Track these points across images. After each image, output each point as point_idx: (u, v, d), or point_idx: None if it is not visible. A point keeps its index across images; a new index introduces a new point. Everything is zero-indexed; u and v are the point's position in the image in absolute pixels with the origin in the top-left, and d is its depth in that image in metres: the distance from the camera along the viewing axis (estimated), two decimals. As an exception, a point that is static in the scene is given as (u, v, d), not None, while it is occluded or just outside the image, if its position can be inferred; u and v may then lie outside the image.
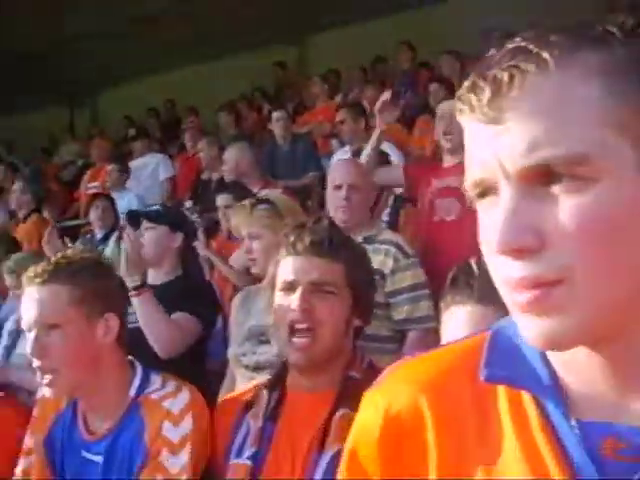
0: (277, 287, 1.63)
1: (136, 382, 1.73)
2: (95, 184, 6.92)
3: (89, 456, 1.70)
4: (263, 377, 2.22)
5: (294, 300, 1.57)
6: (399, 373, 0.73)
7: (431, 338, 2.54)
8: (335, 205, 2.96)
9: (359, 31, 8.47)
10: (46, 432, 1.78)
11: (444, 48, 6.37)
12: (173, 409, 1.66)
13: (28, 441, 1.81)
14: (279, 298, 1.61)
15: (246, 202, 2.73)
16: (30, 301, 1.68)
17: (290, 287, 1.59)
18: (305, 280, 1.58)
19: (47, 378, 1.65)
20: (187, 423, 1.65)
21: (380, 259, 2.77)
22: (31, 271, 1.71)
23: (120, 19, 8.02)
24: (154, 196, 5.89)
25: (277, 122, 5.80)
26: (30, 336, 1.66)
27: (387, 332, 2.79)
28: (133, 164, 6.57)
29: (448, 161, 3.53)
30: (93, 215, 5.08)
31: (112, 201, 5.27)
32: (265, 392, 1.64)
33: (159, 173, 6.51)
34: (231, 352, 2.84)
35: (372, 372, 1.66)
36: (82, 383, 1.69)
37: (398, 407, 0.69)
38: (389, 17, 7.99)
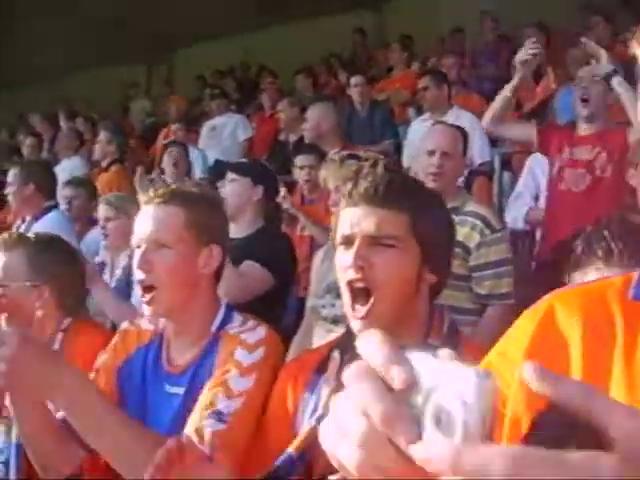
0: (337, 242, 1.51)
1: (219, 317, 1.75)
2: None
3: (171, 390, 1.73)
4: (341, 329, 2.30)
5: (350, 256, 1.45)
6: (551, 297, 0.74)
7: (509, 314, 2.51)
8: (426, 171, 2.90)
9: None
10: (121, 363, 1.82)
11: (527, 20, 6.23)
12: (248, 339, 1.68)
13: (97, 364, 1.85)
14: (339, 254, 1.50)
15: (335, 156, 2.77)
16: (146, 218, 1.72)
17: (348, 241, 1.47)
18: (361, 233, 1.44)
19: (147, 296, 1.70)
20: (259, 353, 1.66)
21: (465, 232, 2.73)
22: (151, 192, 1.76)
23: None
24: (233, 156, 5.91)
25: (355, 88, 5.81)
26: (138, 251, 1.71)
27: (469, 305, 2.76)
28: (211, 123, 6.66)
29: (583, 130, 3.45)
30: (167, 160, 4.99)
31: (186, 150, 5.26)
32: (337, 354, 1.58)
33: (238, 133, 6.54)
34: (310, 304, 2.92)
35: (455, 337, 1.58)
36: (177, 306, 1.72)
37: (551, 316, 0.70)
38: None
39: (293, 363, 1.78)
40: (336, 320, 2.73)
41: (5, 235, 2.26)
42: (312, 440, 1.41)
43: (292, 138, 5.70)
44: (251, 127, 6.69)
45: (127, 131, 7.65)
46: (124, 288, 3.32)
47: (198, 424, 1.56)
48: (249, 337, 1.68)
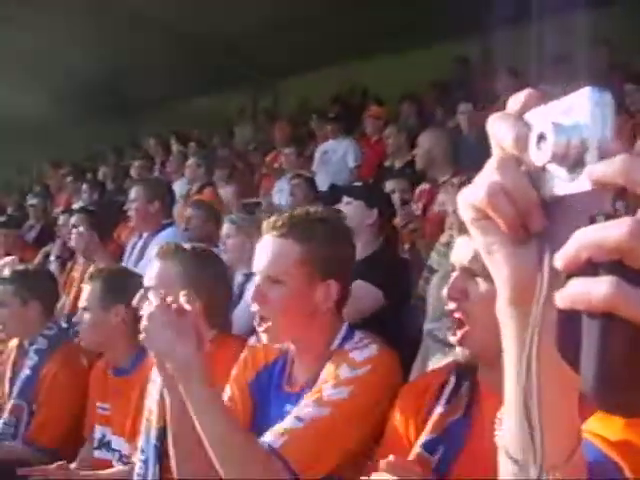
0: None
1: (339, 337, 1.77)
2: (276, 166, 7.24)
3: (291, 408, 1.74)
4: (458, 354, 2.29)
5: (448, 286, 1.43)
6: None
7: None
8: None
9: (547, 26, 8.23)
10: (251, 379, 1.87)
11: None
12: (356, 357, 1.68)
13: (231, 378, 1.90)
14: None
15: (454, 180, 2.79)
16: (263, 250, 1.75)
17: (452, 269, 1.47)
18: (457, 264, 1.44)
19: (262, 326, 1.73)
20: (363, 370, 1.65)
21: None
22: (272, 219, 1.77)
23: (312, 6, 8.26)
24: (342, 181, 6.02)
25: (462, 115, 5.82)
26: (255, 282, 1.76)
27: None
28: (323, 147, 6.78)
29: None
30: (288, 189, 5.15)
31: (312, 182, 5.44)
32: (453, 378, 1.54)
33: (348, 158, 6.63)
34: (427, 327, 2.93)
35: None
36: (292, 334, 1.75)
37: None
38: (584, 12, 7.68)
39: (414, 386, 1.71)
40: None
41: (163, 244, 2.35)
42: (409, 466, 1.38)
43: (398, 164, 5.73)
44: (361, 152, 6.78)
45: (233, 156, 7.88)
46: (235, 303, 3.41)
47: (279, 427, 1.60)
48: (358, 355, 1.68)
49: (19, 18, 8.35)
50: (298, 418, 1.59)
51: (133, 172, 7.63)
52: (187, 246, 2.34)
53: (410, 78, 8.46)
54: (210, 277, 2.27)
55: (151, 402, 2.27)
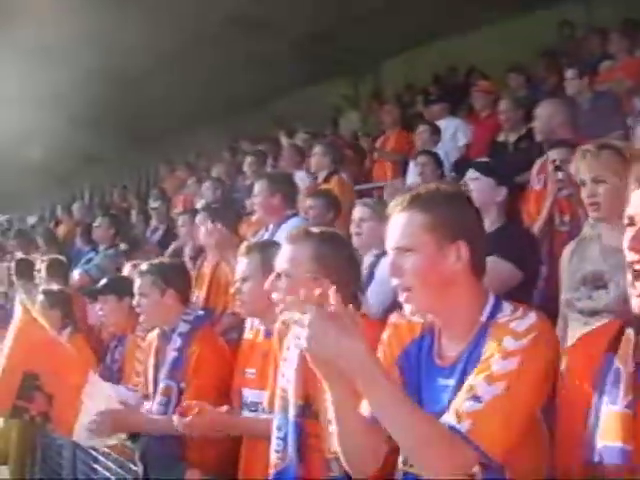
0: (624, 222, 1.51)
1: (488, 308, 1.77)
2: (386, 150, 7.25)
3: (443, 382, 1.76)
4: (599, 322, 2.25)
5: (627, 237, 1.47)
6: None
7: None
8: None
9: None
10: (398, 357, 1.88)
11: None
12: (518, 328, 1.67)
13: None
14: (625, 234, 1.50)
15: (590, 146, 2.74)
16: (391, 227, 1.81)
17: (630, 222, 1.49)
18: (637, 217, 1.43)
19: (404, 296, 1.77)
20: (527, 339, 1.64)
21: None
22: (395, 201, 1.84)
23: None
24: (453, 160, 6.00)
25: (572, 80, 5.64)
26: (389, 258, 1.80)
27: None
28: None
29: None
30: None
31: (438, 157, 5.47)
32: (631, 332, 1.55)
33: (458, 137, 6.58)
34: (564, 297, 2.88)
35: None
36: (434, 303, 1.77)
37: None
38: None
39: (580, 346, 1.73)
40: (594, 312, 2.70)
41: (293, 230, 2.44)
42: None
43: (512, 138, 5.64)
44: (470, 131, 6.72)
45: (340, 143, 7.93)
46: (366, 284, 3.47)
47: (457, 407, 1.61)
48: (519, 325, 1.68)
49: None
50: (476, 398, 1.60)
51: (246, 168, 7.76)
52: (316, 230, 2.41)
53: (513, 48, 8.28)
54: (340, 258, 2.33)
55: (285, 381, 2.37)
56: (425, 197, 1.79)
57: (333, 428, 1.77)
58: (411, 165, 5.81)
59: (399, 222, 1.78)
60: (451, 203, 1.79)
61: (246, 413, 2.87)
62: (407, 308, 1.79)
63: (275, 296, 2.37)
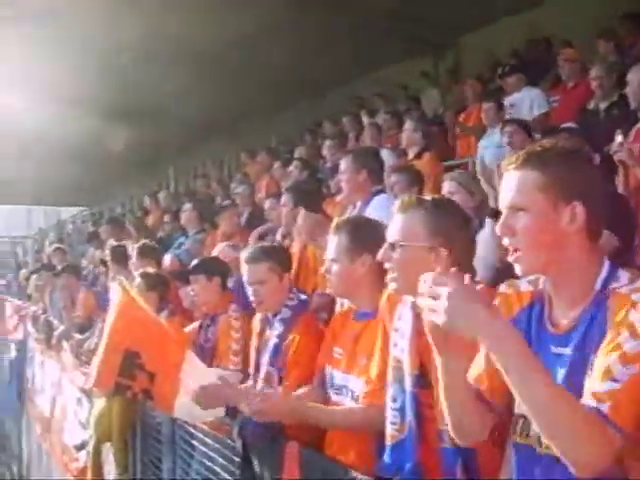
0: None
1: (602, 274, 1.70)
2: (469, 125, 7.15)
3: (557, 350, 1.72)
4: None
5: None
6: None
7: None
8: None
9: None
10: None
11: None
12: None
13: None
14: None
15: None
16: (504, 186, 1.77)
17: None
18: None
19: (514, 256, 1.73)
20: None
21: None
22: (509, 158, 1.79)
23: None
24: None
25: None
26: (501, 217, 1.76)
27: None
28: (510, 100, 6.61)
29: None
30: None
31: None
32: None
33: (534, 108, 6.46)
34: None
35: None
36: (545, 264, 1.72)
37: None
38: None
39: None
40: None
41: (404, 198, 2.37)
42: None
43: (602, 106, 5.46)
44: (548, 101, 6.54)
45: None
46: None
47: (595, 390, 1.56)
48: None
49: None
50: (613, 380, 1.56)
51: (326, 151, 7.78)
52: (427, 197, 2.37)
53: (594, 14, 7.96)
54: (454, 226, 2.29)
55: (399, 351, 2.35)
56: (540, 155, 1.73)
57: (442, 397, 1.76)
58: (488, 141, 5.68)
59: (512, 180, 1.74)
60: (568, 161, 1.73)
61: (332, 394, 2.86)
62: (517, 268, 1.75)
63: (388, 266, 2.30)
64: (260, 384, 3.29)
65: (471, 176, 3.64)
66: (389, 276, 2.30)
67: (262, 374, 3.29)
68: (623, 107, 5.09)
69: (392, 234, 2.30)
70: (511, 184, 1.74)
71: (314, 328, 3.31)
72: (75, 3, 8.53)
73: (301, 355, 3.17)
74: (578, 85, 6.22)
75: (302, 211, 3.95)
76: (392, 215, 2.36)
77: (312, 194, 4.78)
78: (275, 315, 3.36)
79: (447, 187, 3.67)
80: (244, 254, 3.56)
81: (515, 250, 1.73)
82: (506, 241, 1.74)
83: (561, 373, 1.68)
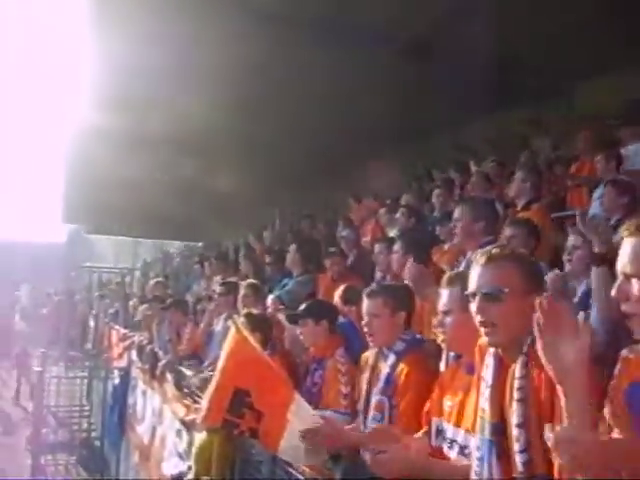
0: None
1: None
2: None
3: None
4: None
5: None
6: None
7: None
8: None
9: None
10: (627, 387, 1.85)
11: None
12: None
13: None
14: None
15: None
16: (622, 250, 1.80)
17: None
18: None
19: (630, 320, 1.75)
20: None
21: None
22: (627, 224, 1.82)
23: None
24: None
25: None
26: (617, 281, 1.79)
27: None
28: (624, 151, 6.44)
29: None
30: None
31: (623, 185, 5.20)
32: None
33: (647, 160, 6.29)
34: None
35: None
36: None
37: None
38: None
39: None
40: None
41: (492, 249, 2.39)
42: None
43: None
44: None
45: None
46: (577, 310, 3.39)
47: None
48: None
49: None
50: None
51: (435, 199, 7.79)
52: (510, 251, 2.38)
53: None
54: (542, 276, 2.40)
55: (483, 401, 2.37)
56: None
57: None
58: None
59: (627, 247, 1.77)
60: None
61: (443, 446, 2.84)
62: (636, 333, 1.76)
63: (480, 319, 2.32)
64: (371, 413, 3.36)
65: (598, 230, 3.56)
66: (485, 329, 2.32)
67: (373, 403, 3.37)
68: None
69: (485, 285, 2.30)
70: (626, 250, 1.77)
71: (425, 364, 3.40)
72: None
73: (411, 386, 3.25)
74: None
75: (409, 261, 3.97)
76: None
77: (422, 243, 4.80)
78: (389, 348, 3.48)
79: (572, 240, 3.65)
80: (366, 289, 3.72)
81: (632, 315, 1.74)
82: (623, 306, 1.76)
83: None
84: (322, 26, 8.31)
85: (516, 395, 2.14)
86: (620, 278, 1.77)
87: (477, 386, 2.56)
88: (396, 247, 4.99)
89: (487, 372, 2.39)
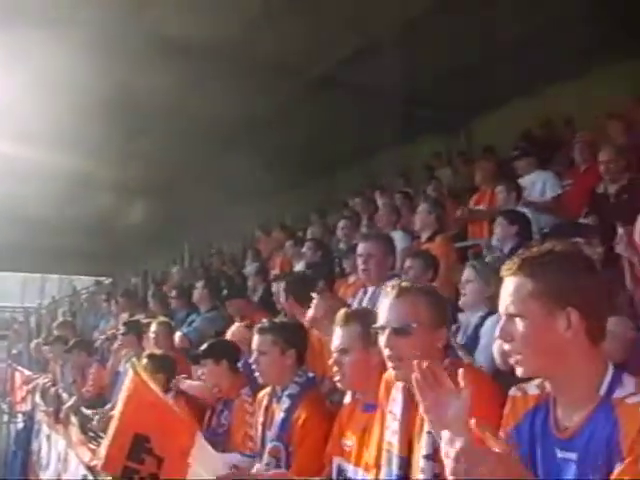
0: None
1: (607, 380, 1.71)
2: (480, 207, 7.17)
3: (563, 455, 1.71)
4: None
5: None
6: None
7: None
8: None
9: None
10: (511, 429, 1.86)
11: None
12: None
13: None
14: None
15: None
16: (503, 290, 1.80)
17: None
18: None
19: (514, 359, 1.75)
20: None
21: None
22: (507, 263, 1.82)
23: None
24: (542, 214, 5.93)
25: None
26: (500, 322, 1.79)
27: None
28: (521, 182, 6.67)
29: None
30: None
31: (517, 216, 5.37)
32: None
33: (546, 191, 6.52)
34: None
35: None
36: (545, 369, 1.75)
37: None
38: None
39: None
40: None
41: (396, 283, 2.43)
42: None
43: (612, 189, 5.49)
44: (560, 184, 6.60)
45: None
46: (472, 344, 3.47)
47: None
48: None
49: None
50: None
51: (340, 232, 7.81)
52: (420, 286, 2.44)
53: (611, 95, 8.08)
54: (446, 309, 2.39)
55: (390, 435, 2.38)
56: (534, 261, 1.76)
57: None
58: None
59: (509, 287, 1.78)
60: (561, 268, 1.74)
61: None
62: (517, 371, 1.77)
63: (388, 353, 2.34)
64: (266, 459, 3.27)
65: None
66: (391, 364, 2.34)
67: (268, 448, 3.27)
68: (633, 191, 5.10)
69: (391, 320, 2.34)
70: (507, 290, 1.78)
71: (321, 407, 3.33)
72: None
73: (308, 433, 3.17)
74: (590, 168, 6.26)
75: (317, 297, 3.89)
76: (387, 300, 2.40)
77: (304, 283, 4.81)
78: (283, 390, 3.38)
79: (466, 274, 3.71)
80: (256, 325, 3.65)
81: (515, 354, 1.75)
82: (506, 346, 1.78)
83: (567, 477, 1.68)
84: (228, 57, 8.32)
85: (427, 426, 2.12)
86: (503, 318, 1.78)
87: (381, 421, 2.56)
88: (280, 291, 4.98)
89: (395, 406, 2.39)
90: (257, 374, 3.54)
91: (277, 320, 3.67)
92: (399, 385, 2.39)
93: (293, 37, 7.94)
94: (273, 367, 3.42)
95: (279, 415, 3.30)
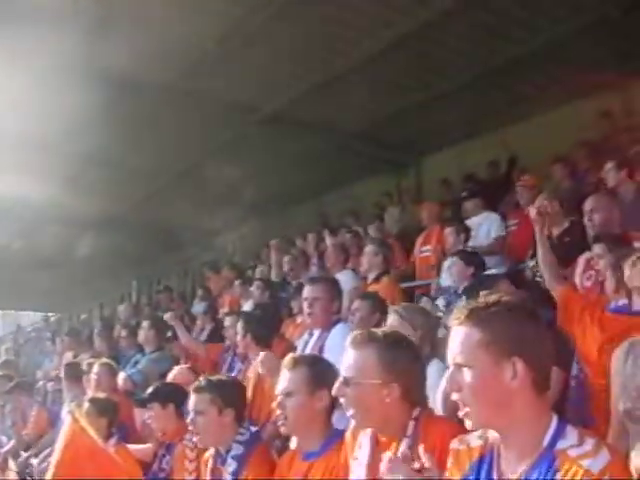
0: None
1: (550, 432, 1.71)
2: (427, 247, 7.25)
3: None
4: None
5: None
6: None
7: None
8: None
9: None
10: (460, 478, 1.86)
11: None
12: (592, 468, 1.59)
13: None
14: None
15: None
16: (450, 340, 1.79)
17: None
18: None
19: (463, 411, 1.74)
20: None
21: None
22: (455, 313, 1.83)
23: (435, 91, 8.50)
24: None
25: (608, 173, 5.66)
26: (448, 372, 1.79)
27: None
28: (468, 223, 6.76)
29: None
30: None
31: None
32: None
33: (491, 232, 6.62)
34: (621, 407, 2.77)
35: None
36: (492, 420, 1.74)
37: None
38: None
39: None
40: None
41: (356, 333, 2.40)
42: None
43: (555, 232, 5.59)
44: (505, 225, 6.70)
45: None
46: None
47: None
48: (593, 465, 1.59)
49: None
50: None
51: (287, 269, 7.77)
52: (380, 333, 2.41)
53: (557, 138, 8.27)
54: (407, 360, 2.34)
55: (355, 478, 2.38)
56: (481, 311, 1.77)
57: None
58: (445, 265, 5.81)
59: (456, 336, 1.78)
60: (507, 318, 1.75)
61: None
62: (466, 423, 1.77)
63: (342, 401, 2.34)
64: None
65: (416, 310, 3.67)
66: (348, 412, 2.33)
67: None
68: (575, 234, 5.18)
69: (346, 369, 2.33)
70: (455, 340, 1.78)
71: (269, 465, 3.21)
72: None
73: None
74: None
75: (262, 353, 3.81)
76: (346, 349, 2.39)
77: (262, 323, 4.77)
78: (227, 451, 3.26)
79: (390, 320, 3.66)
80: (193, 384, 3.52)
81: (463, 405, 1.75)
82: (455, 396, 1.77)
83: None
84: (179, 92, 8.31)
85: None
86: (451, 368, 1.78)
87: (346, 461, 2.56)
88: (238, 327, 4.94)
89: (361, 452, 2.38)
90: (195, 436, 3.41)
91: (214, 378, 3.53)
92: (367, 431, 2.39)
93: (245, 73, 7.99)
94: (211, 427, 3.29)
95: (226, 479, 3.19)
